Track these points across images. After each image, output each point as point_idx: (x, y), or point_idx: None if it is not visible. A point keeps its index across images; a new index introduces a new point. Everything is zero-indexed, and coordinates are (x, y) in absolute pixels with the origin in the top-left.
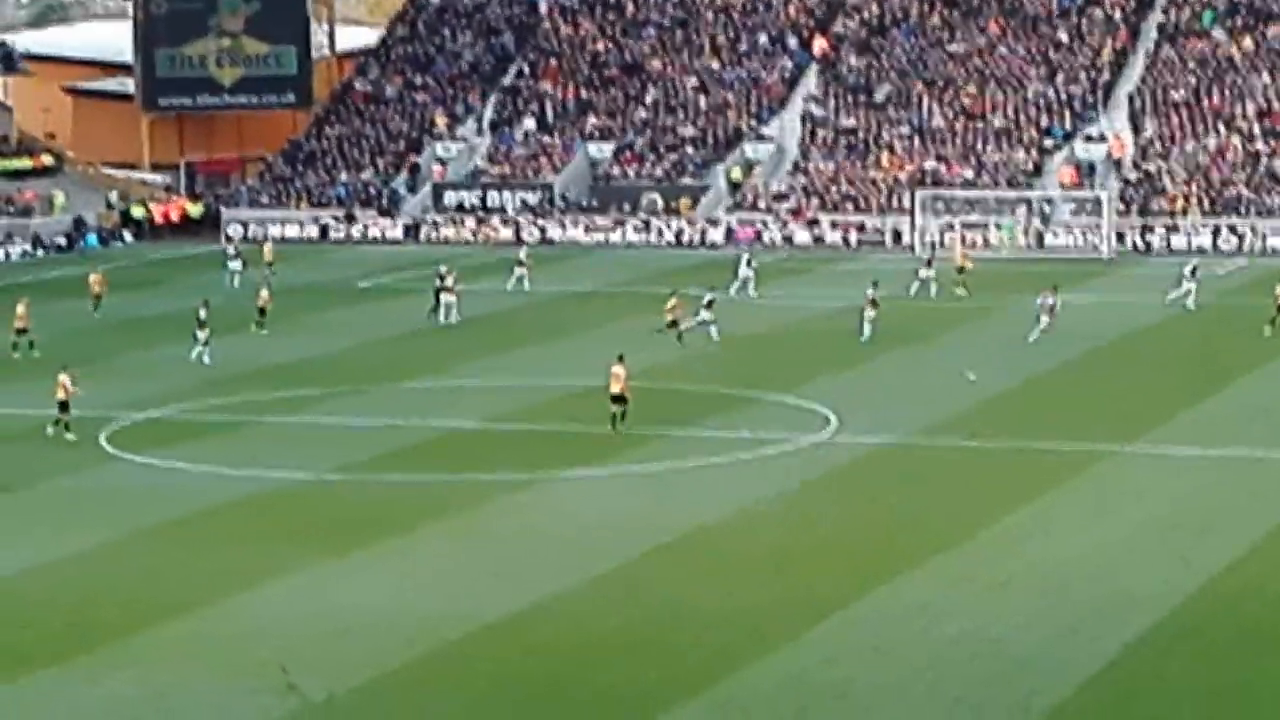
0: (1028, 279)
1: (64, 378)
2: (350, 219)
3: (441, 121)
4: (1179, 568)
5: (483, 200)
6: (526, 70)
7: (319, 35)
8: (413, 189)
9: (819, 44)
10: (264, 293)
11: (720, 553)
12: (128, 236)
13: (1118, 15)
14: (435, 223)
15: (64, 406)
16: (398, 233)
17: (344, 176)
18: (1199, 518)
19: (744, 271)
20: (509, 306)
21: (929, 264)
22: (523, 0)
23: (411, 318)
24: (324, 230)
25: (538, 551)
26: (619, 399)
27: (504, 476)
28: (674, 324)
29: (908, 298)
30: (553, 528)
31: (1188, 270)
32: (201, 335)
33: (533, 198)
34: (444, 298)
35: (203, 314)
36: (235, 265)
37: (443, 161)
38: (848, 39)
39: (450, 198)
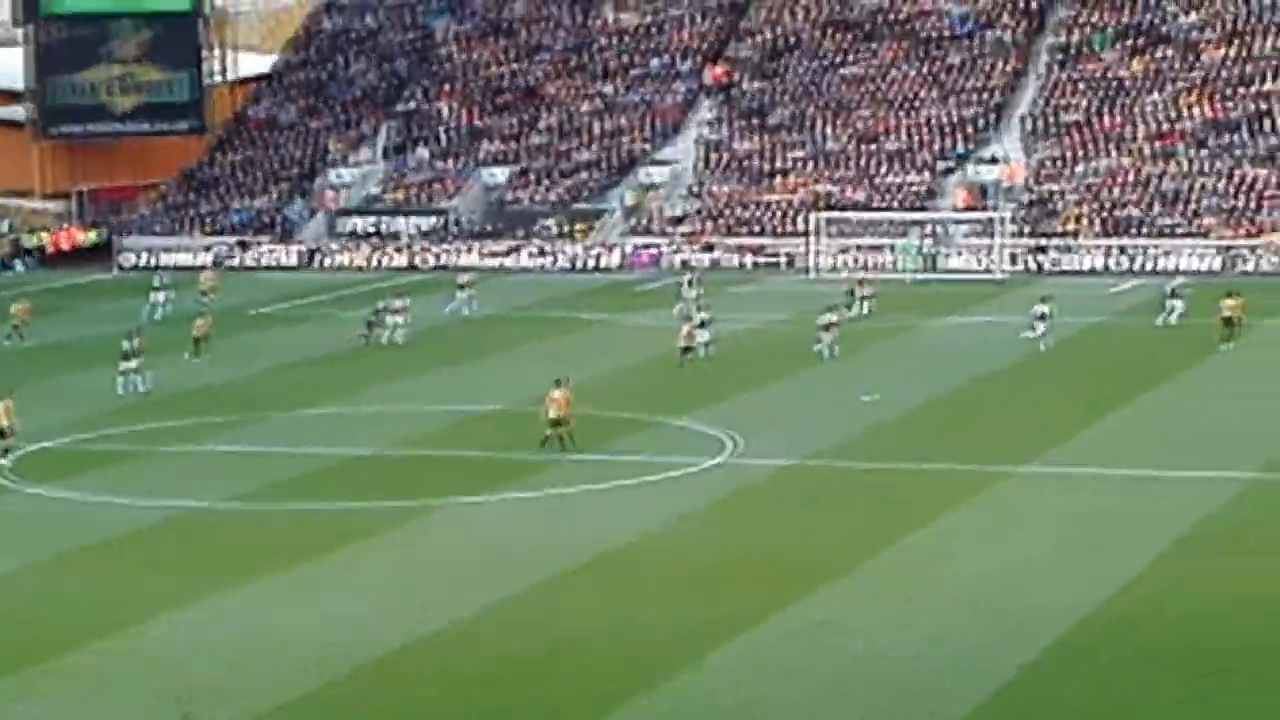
0: (924, 301)
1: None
2: (245, 246)
3: (337, 148)
4: (1078, 587)
5: (379, 226)
6: (422, 95)
7: (213, 62)
8: (308, 216)
9: (711, 71)
10: (200, 321)
11: (627, 575)
12: (19, 265)
13: (1011, 38)
14: (331, 249)
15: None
16: (293, 259)
17: (239, 203)
18: (1097, 537)
19: (687, 293)
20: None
21: (861, 284)
22: (418, 25)
23: (310, 344)
24: (218, 258)
25: (444, 577)
26: (557, 422)
27: (408, 502)
28: (688, 350)
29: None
30: (459, 553)
31: (1169, 288)
32: (130, 364)
33: (429, 223)
34: (390, 319)
35: (132, 343)
36: (158, 297)
37: (338, 188)
38: (744, 63)
39: (346, 224)
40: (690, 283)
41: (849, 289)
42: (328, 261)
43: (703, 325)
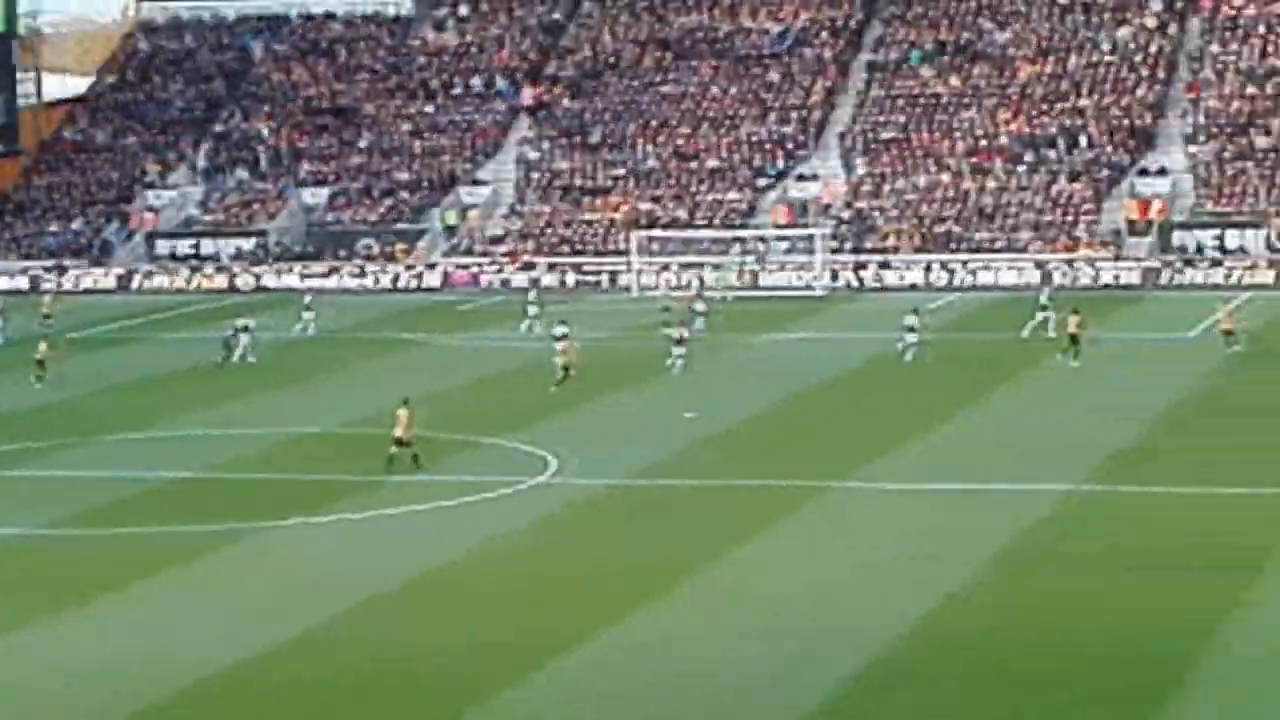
0: (744, 318)
1: None
2: (61, 269)
3: (153, 169)
4: (898, 602)
5: (196, 248)
6: (239, 116)
7: (26, 84)
8: (125, 238)
9: (528, 93)
10: (42, 345)
11: (450, 595)
12: None
13: (827, 55)
14: (149, 271)
15: None
16: (110, 282)
17: (54, 226)
18: (917, 552)
19: (534, 311)
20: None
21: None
22: (234, 46)
23: (129, 367)
24: (34, 282)
25: (266, 598)
26: (401, 442)
27: (231, 525)
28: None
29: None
30: (280, 574)
31: (1043, 298)
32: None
33: (247, 244)
34: (243, 338)
35: None
36: None
37: (155, 209)
38: (562, 82)
39: (163, 246)
40: (532, 301)
41: (688, 304)
42: (146, 284)
43: (680, 342)
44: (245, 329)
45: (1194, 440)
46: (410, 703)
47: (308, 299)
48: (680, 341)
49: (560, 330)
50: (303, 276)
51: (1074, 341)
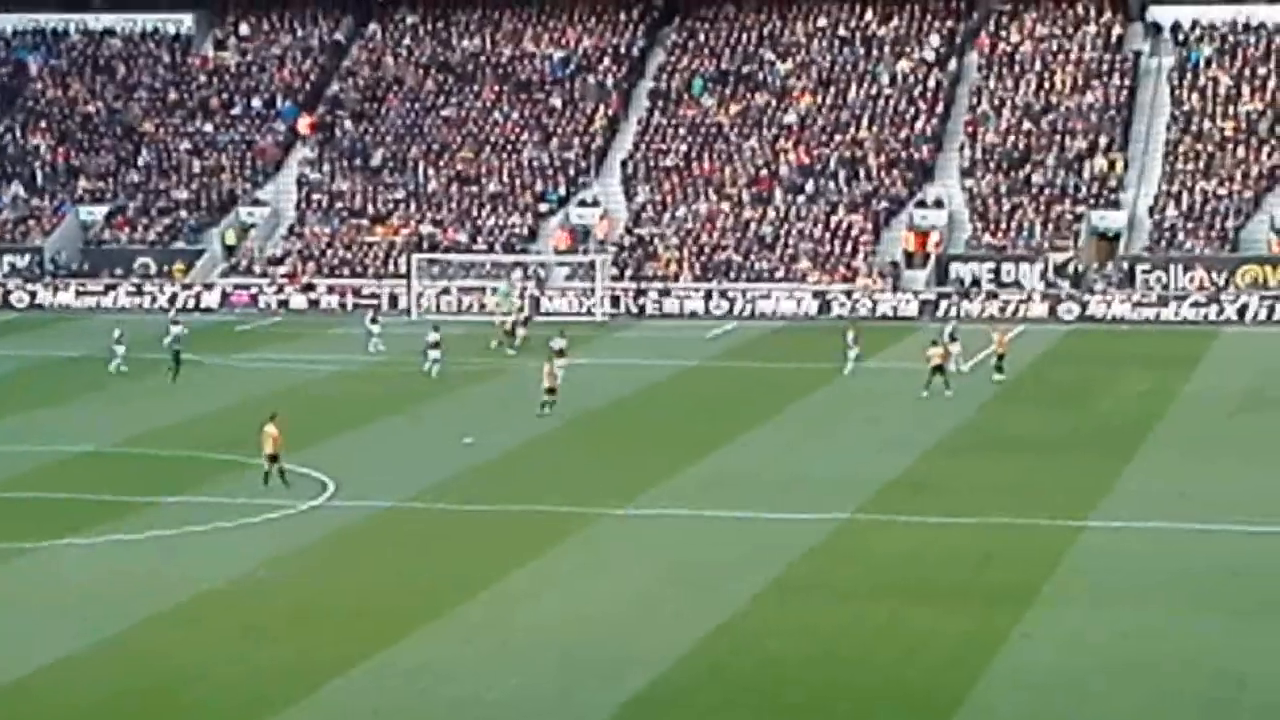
0: (523, 343)
1: None
2: None
3: None
4: (674, 627)
5: None
6: (16, 131)
7: None
8: None
9: (304, 120)
10: None
11: (223, 618)
12: None
13: (610, 82)
14: None
15: None
16: None
17: None
18: (693, 577)
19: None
20: None
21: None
22: (9, 60)
23: None
24: None
25: (32, 620)
26: (274, 458)
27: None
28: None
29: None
30: (48, 596)
31: (947, 334)
32: None
33: (22, 261)
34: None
35: None
36: None
37: None
38: (343, 103)
39: None
40: (374, 319)
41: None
42: None
43: (560, 353)
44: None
45: (968, 470)
46: None
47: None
48: (436, 345)
49: (559, 344)
50: (78, 294)
51: (937, 372)
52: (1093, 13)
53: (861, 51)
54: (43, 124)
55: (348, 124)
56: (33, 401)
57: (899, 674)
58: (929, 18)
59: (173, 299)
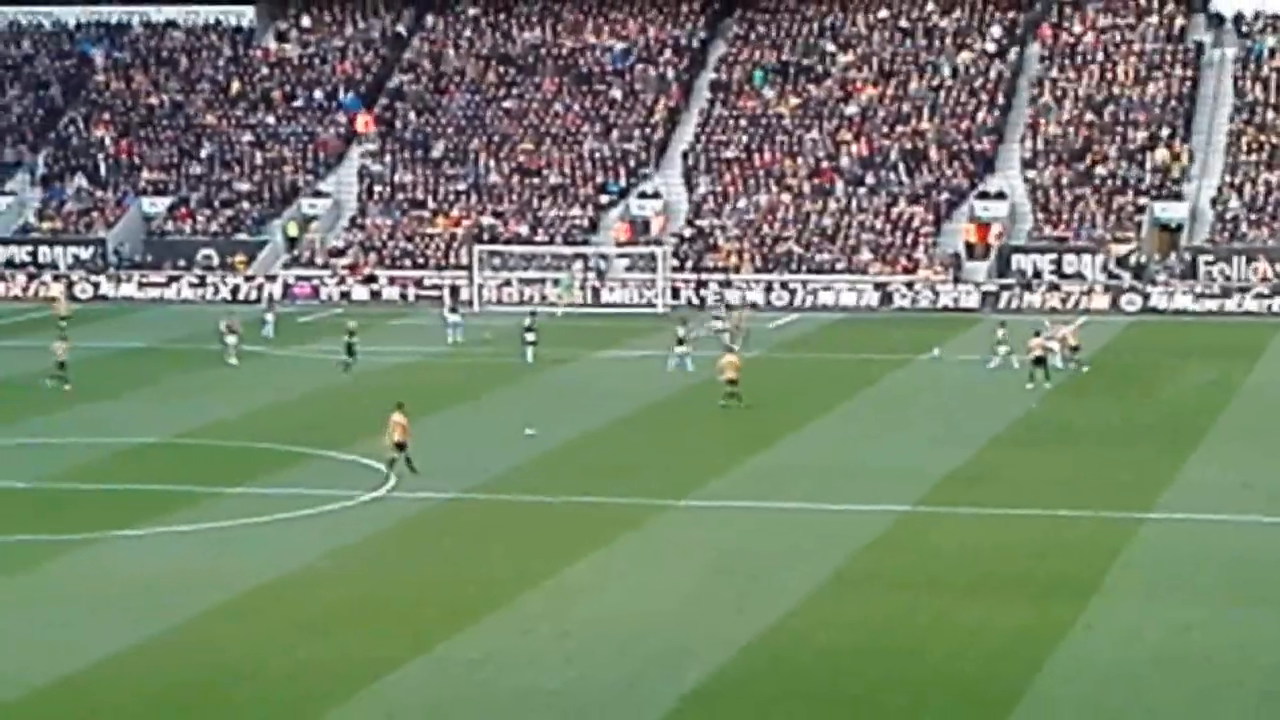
0: (584, 334)
1: None
2: None
3: None
4: (733, 619)
5: (34, 256)
6: (79, 123)
7: None
8: None
9: (362, 119)
10: (59, 345)
11: (280, 610)
12: None
13: (670, 74)
14: None
15: None
16: None
17: None
18: (753, 569)
19: (453, 319)
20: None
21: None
22: (73, 53)
23: None
24: None
25: (94, 612)
26: (401, 446)
27: (54, 537)
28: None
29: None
30: (109, 587)
31: (1000, 334)
32: None
33: (85, 253)
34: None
35: None
36: None
37: None
38: (404, 95)
39: (0, 253)
40: (454, 308)
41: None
42: None
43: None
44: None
45: (1029, 462)
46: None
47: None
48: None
49: (681, 332)
50: (141, 286)
51: (1041, 363)
52: (1155, 4)
53: (923, 43)
54: (106, 116)
55: (409, 116)
56: (95, 393)
57: (956, 666)
58: (990, 9)
59: (262, 291)
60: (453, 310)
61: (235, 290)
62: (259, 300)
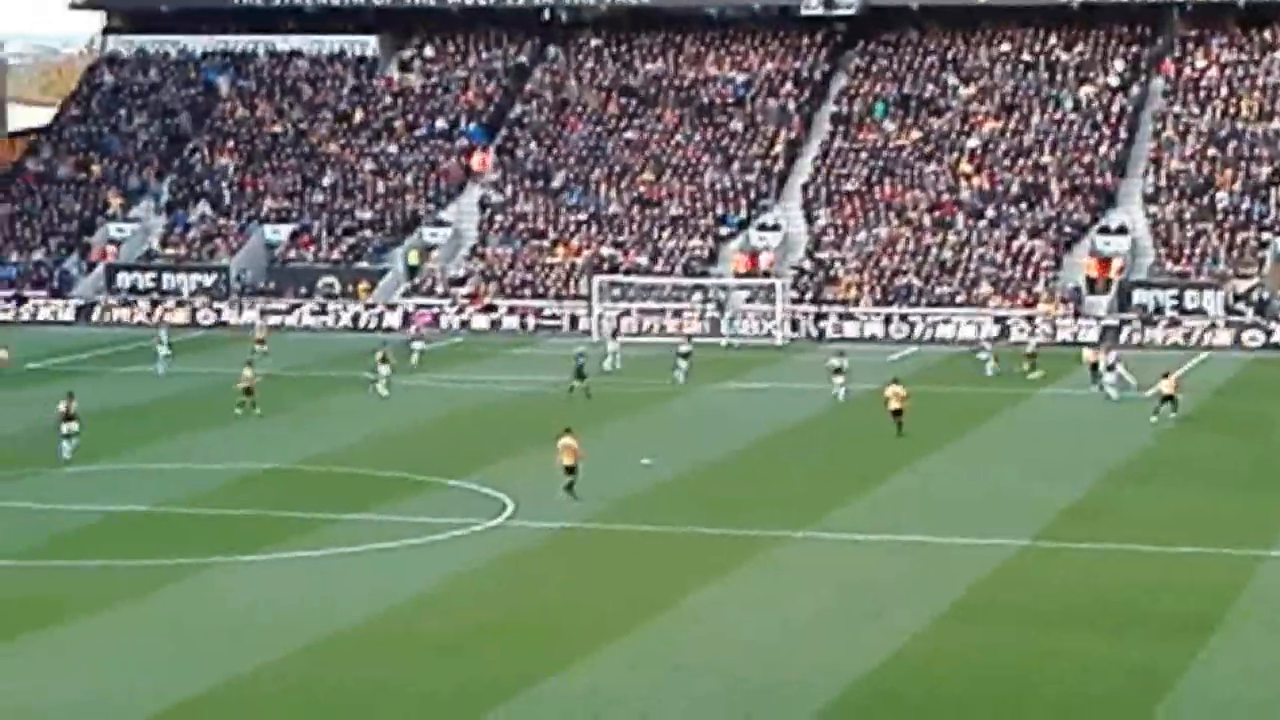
0: (703, 365)
1: None
2: (20, 300)
3: (115, 202)
4: (847, 653)
5: (157, 282)
6: (204, 151)
7: None
8: (86, 270)
9: (478, 158)
10: (247, 372)
11: (396, 639)
12: None
13: (791, 105)
14: (108, 304)
15: None
16: (69, 314)
17: (15, 257)
18: (869, 602)
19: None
20: (179, 390)
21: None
22: (199, 81)
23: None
24: None
25: (214, 637)
26: (571, 469)
27: (172, 562)
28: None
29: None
30: (223, 614)
31: (1112, 361)
32: (67, 427)
33: (208, 280)
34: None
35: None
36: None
37: (116, 242)
38: (526, 125)
39: (124, 279)
40: (615, 333)
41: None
42: (105, 317)
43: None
44: (385, 359)
45: (1147, 498)
46: None
47: (163, 333)
48: (839, 371)
49: (836, 363)
50: (263, 313)
51: (1168, 400)
52: (1279, 39)
53: (1045, 76)
54: (230, 144)
55: (531, 146)
56: (219, 419)
57: (1072, 703)
58: (1113, 43)
59: (406, 318)
60: (614, 335)
61: (356, 318)
62: (379, 329)
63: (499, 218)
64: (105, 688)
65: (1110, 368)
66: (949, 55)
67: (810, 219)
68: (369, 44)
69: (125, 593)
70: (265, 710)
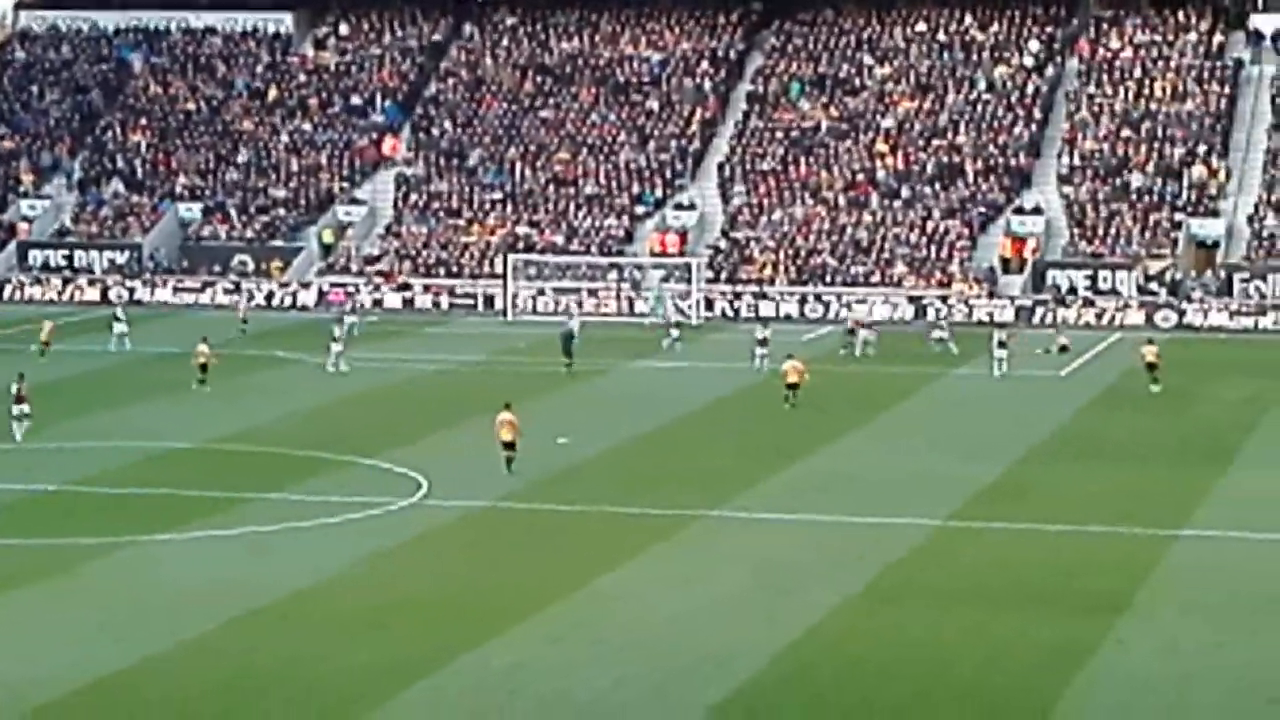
0: (617, 345)
1: None
2: None
3: (27, 179)
4: (764, 630)
5: (70, 259)
6: (116, 128)
7: None
8: None
9: (389, 143)
10: (203, 348)
11: (312, 617)
12: None
13: (707, 85)
14: (20, 282)
15: None
16: None
17: None
18: (784, 581)
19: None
20: (95, 368)
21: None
22: (111, 58)
23: None
24: None
25: (129, 615)
26: (510, 445)
27: (91, 540)
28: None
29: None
30: (143, 591)
31: (995, 341)
32: (18, 409)
33: (121, 258)
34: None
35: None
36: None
37: (28, 219)
38: (441, 103)
39: (36, 256)
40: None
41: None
42: (17, 294)
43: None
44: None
45: (1062, 477)
46: None
47: (119, 311)
48: (763, 343)
49: (763, 334)
50: (176, 291)
51: (1150, 369)
52: (1194, 20)
53: (960, 56)
54: (143, 121)
55: (446, 124)
56: (129, 397)
57: (987, 680)
58: (1028, 23)
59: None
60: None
61: (269, 296)
62: (293, 307)
63: (414, 196)
64: (22, 665)
65: (1002, 344)
66: (864, 35)
67: (726, 198)
68: (284, 21)
69: (42, 571)
70: (185, 686)
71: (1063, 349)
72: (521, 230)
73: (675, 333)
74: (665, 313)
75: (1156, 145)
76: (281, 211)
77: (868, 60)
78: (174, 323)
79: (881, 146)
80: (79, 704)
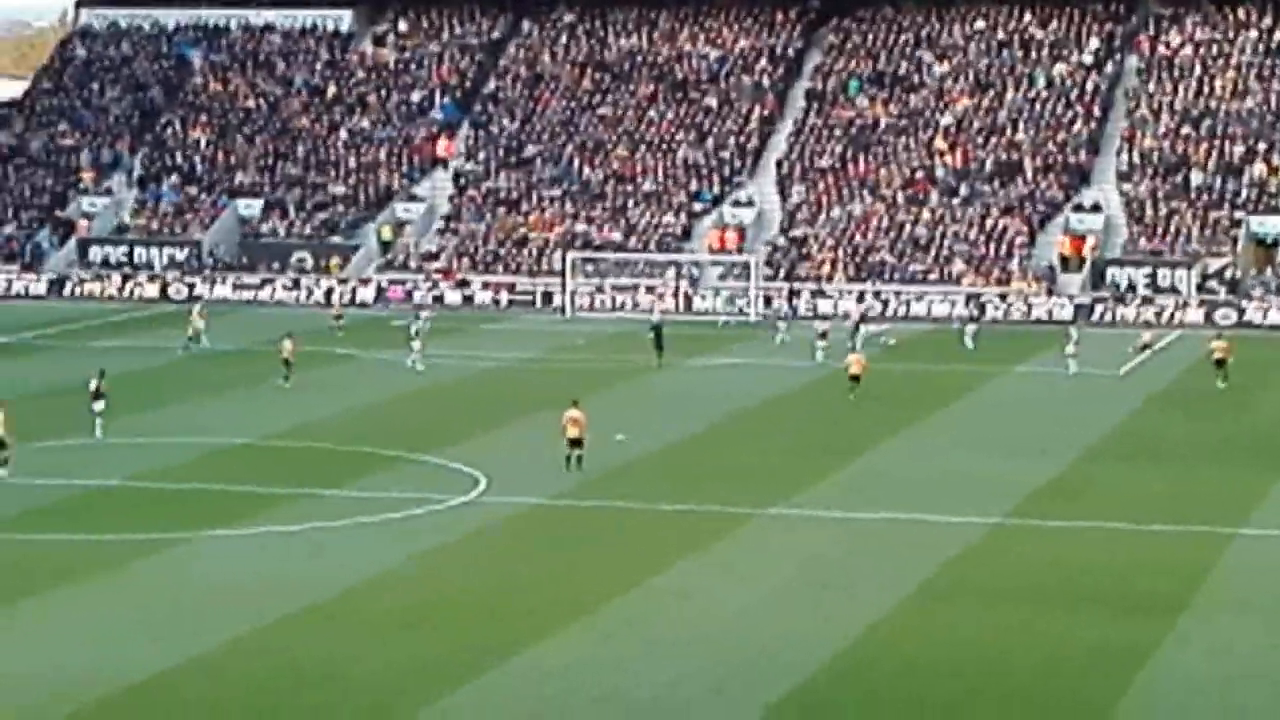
0: (676, 342)
1: None
2: None
3: (88, 176)
4: (820, 629)
5: (130, 256)
6: (176, 125)
7: None
8: (57, 244)
9: (443, 145)
10: (287, 344)
11: (367, 613)
12: None
13: (766, 82)
14: (81, 278)
15: None
16: (41, 288)
17: None
18: (840, 579)
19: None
20: (157, 365)
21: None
22: (171, 55)
23: (57, 374)
24: None
25: (183, 611)
26: (576, 442)
27: (150, 535)
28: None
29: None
30: (198, 587)
31: (1073, 340)
32: (97, 406)
33: (181, 254)
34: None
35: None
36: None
37: (89, 216)
38: (500, 100)
39: (96, 253)
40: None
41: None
42: (77, 290)
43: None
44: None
45: (1120, 477)
46: None
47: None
48: (824, 335)
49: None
50: (235, 288)
51: (1220, 365)
52: (1254, 17)
53: (1019, 54)
54: (203, 118)
55: (504, 121)
56: (189, 393)
57: (1043, 680)
58: (1088, 20)
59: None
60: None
61: (329, 293)
62: (352, 304)
63: (472, 193)
64: (70, 661)
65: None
66: (923, 32)
67: (784, 196)
68: (343, 18)
69: (93, 567)
70: (231, 686)
71: (1144, 347)
72: (580, 227)
73: (782, 325)
74: (741, 312)
75: (1216, 143)
76: (340, 208)
77: (926, 57)
78: (232, 320)
79: (940, 144)
80: (129, 700)
